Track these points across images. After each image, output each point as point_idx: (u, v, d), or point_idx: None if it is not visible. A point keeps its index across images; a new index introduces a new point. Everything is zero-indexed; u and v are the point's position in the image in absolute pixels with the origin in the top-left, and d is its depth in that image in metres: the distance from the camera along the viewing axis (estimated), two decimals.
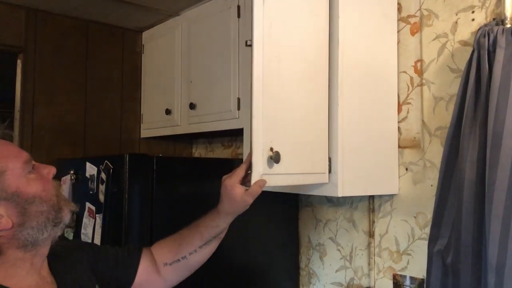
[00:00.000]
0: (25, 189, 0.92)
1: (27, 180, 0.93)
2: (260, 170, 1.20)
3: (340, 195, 1.50)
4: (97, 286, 1.10)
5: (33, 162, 0.97)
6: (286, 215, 2.10)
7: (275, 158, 1.23)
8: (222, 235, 1.27)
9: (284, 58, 1.33)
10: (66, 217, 0.98)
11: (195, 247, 1.22)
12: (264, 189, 1.18)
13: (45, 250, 0.98)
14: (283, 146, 1.28)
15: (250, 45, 1.23)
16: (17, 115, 2.28)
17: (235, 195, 1.15)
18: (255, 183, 1.16)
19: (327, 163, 1.52)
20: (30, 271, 0.95)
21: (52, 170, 0.99)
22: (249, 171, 1.17)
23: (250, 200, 1.16)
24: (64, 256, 1.08)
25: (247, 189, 1.16)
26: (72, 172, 1.93)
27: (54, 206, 0.96)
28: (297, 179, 1.40)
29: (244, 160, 1.21)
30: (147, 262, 1.22)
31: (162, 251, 1.24)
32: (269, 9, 1.27)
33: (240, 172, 1.17)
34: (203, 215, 1.24)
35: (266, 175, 1.21)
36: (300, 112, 1.41)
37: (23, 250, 0.93)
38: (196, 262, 1.25)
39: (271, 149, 1.24)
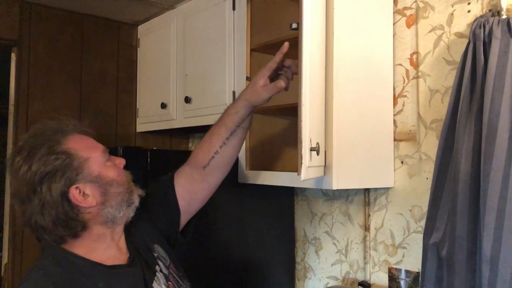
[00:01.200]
0: (105, 173, 1.10)
1: (106, 167, 1.11)
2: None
3: (335, 188, 1.50)
4: (156, 244, 1.24)
5: (107, 154, 1.15)
6: (281, 209, 2.09)
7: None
8: (246, 125, 1.34)
9: None
10: (137, 200, 1.16)
11: (223, 139, 1.32)
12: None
13: (120, 227, 1.15)
14: None
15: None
16: (11, 109, 2.27)
17: (257, 84, 1.28)
18: (273, 84, 1.26)
19: (323, 156, 1.51)
20: (110, 244, 1.12)
21: (123, 161, 1.17)
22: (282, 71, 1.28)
23: (265, 95, 1.27)
24: (134, 223, 1.21)
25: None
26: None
27: (127, 189, 1.14)
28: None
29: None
30: (182, 182, 1.32)
31: (197, 157, 1.34)
32: None
33: (271, 65, 1.28)
34: (226, 108, 1.35)
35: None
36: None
37: (104, 226, 1.10)
38: (228, 154, 1.34)
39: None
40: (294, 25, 1.50)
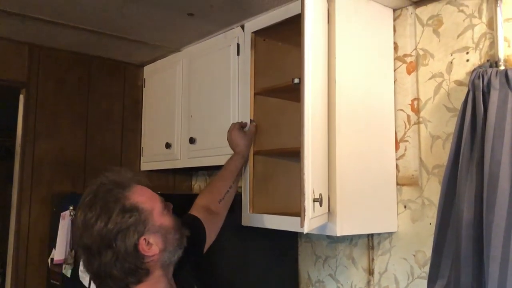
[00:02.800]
0: (165, 222, 1.20)
1: (164, 215, 1.21)
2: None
3: (339, 234, 1.50)
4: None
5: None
6: (285, 251, 2.08)
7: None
8: (241, 171, 1.81)
9: None
10: (185, 241, 1.27)
11: (230, 184, 1.71)
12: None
13: (173, 267, 1.26)
14: None
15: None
16: (18, 148, 2.30)
17: (233, 138, 1.80)
18: (249, 130, 1.82)
19: (327, 202, 1.52)
20: (167, 285, 1.23)
21: (171, 206, 1.27)
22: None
23: (246, 143, 1.79)
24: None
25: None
26: (71, 208, 1.93)
27: (180, 234, 1.25)
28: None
29: None
30: (203, 216, 1.54)
31: (213, 193, 1.67)
32: None
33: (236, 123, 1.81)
34: (225, 164, 1.78)
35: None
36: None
37: (162, 269, 1.21)
38: (232, 194, 1.72)
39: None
40: (296, 80, 1.57)
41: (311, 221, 1.25)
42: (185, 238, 1.27)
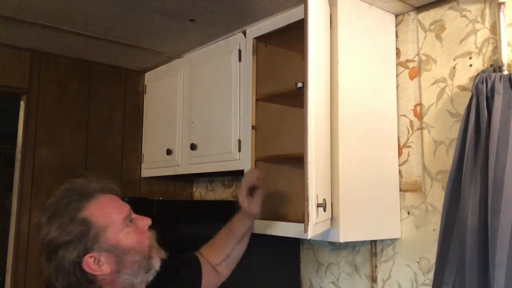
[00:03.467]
0: (122, 242, 1.08)
1: (125, 234, 1.10)
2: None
3: (342, 240, 1.49)
4: None
5: (132, 215, 1.15)
6: (287, 258, 2.06)
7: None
8: (251, 231, 1.56)
9: None
10: (156, 264, 1.15)
11: (233, 246, 1.50)
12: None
13: None
14: None
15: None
16: (18, 155, 2.29)
17: (245, 206, 1.47)
18: (255, 195, 1.49)
19: (330, 208, 1.51)
20: None
21: (148, 222, 1.16)
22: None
23: (256, 209, 1.49)
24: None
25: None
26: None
27: (146, 256, 1.12)
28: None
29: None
30: (206, 265, 1.44)
31: (211, 255, 1.48)
32: None
33: (243, 191, 1.48)
34: (229, 221, 1.53)
35: None
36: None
37: None
38: (237, 255, 1.53)
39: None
40: (300, 84, 1.56)
41: (314, 226, 1.23)
42: (157, 260, 1.15)
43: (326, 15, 1.54)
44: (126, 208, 1.15)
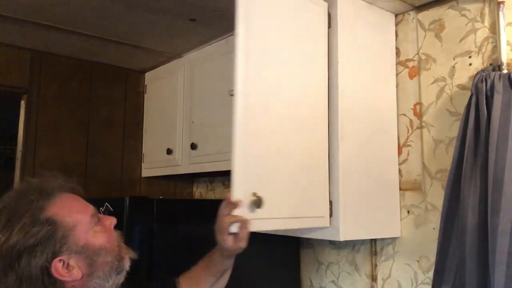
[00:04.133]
0: (92, 241, 0.99)
1: (94, 233, 1.00)
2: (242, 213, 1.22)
3: (342, 239, 1.49)
4: None
5: (98, 214, 1.05)
6: (287, 257, 2.07)
7: (257, 203, 1.26)
8: (231, 267, 1.33)
9: (273, 107, 1.38)
10: (127, 264, 1.05)
11: (211, 283, 1.30)
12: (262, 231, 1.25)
13: None
14: (269, 192, 1.32)
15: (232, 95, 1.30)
16: (18, 155, 2.29)
17: (229, 245, 1.20)
18: (241, 228, 1.19)
19: (328, 206, 1.51)
20: None
21: (114, 221, 1.07)
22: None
23: (243, 245, 1.21)
24: None
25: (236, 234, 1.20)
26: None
27: (117, 256, 1.03)
28: (287, 224, 1.43)
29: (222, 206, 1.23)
30: None
31: (189, 284, 1.30)
32: (256, 58, 1.31)
33: (221, 225, 1.20)
34: (208, 255, 1.29)
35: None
36: (294, 159, 1.44)
37: None
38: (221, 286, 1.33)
39: (254, 194, 1.28)
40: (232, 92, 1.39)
41: (252, 222, 1.21)
42: (128, 260, 1.06)
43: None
44: (90, 207, 1.05)
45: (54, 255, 0.93)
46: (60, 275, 0.94)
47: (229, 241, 1.19)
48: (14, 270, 0.91)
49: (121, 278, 1.04)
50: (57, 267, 0.94)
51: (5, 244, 0.92)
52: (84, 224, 0.99)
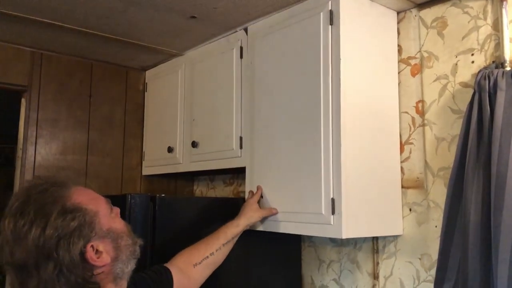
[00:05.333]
0: (115, 226, 1.04)
1: (113, 219, 1.06)
2: None
3: (344, 237, 1.49)
4: None
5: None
6: (288, 255, 2.06)
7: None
8: (232, 244, 1.61)
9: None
10: (138, 251, 1.11)
11: (219, 245, 1.53)
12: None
13: (125, 282, 1.09)
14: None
15: None
16: (19, 152, 2.28)
17: (253, 207, 1.70)
18: (269, 208, 1.71)
19: (330, 204, 1.51)
20: None
21: (119, 210, 1.12)
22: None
23: (263, 214, 1.70)
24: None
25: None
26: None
27: (133, 240, 1.09)
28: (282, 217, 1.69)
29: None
30: (178, 275, 1.37)
31: (190, 253, 1.47)
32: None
33: (257, 196, 1.75)
34: (226, 224, 1.62)
35: None
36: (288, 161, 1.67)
37: (114, 283, 1.04)
38: (219, 259, 1.55)
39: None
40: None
41: None
42: (138, 247, 1.11)
43: None
44: (99, 195, 1.09)
45: (88, 240, 0.97)
46: (93, 260, 0.97)
47: (255, 206, 1.71)
48: (53, 259, 0.93)
49: (134, 264, 1.09)
50: (90, 252, 0.97)
51: (41, 236, 0.93)
52: (104, 210, 1.04)
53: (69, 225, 0.95)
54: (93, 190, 1.09)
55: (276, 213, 1.68)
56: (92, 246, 0.98)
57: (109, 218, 1.04)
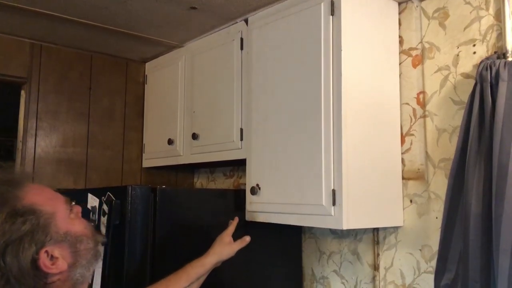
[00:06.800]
0: (74, 229, 0.95)
1: (71, 220, 0.96)
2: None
3: (345, 228, 1.49)
4: None
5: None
6: (289, 247, 2.07)
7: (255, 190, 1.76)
8: (202, 280, 1.45)
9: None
10: (101, 249, 1.03)
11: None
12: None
13: (86, 286, 1.01)
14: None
15: None
16: (19, 145, 2.28)
17: (225, 241, 1.54)
18: (241, 240, 1.58)
19: (331, 195, 1.51)
20: None
21: (80, 209, 1.03)
22: None
23: (236, 248, 1.55)
24: None
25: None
26: (73, 203, 1.91)
27: (95, 242, 1.00)
28: (283, 208, 1.68)
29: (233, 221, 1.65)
30: None
31: None
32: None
33: (231, 229, 1.59)
34: (191, 264, 1.43)
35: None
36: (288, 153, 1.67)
37: None
38: None
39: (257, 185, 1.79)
40: None
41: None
42: (101, 245, 1.04)
43: None
44: (60, 195, 1.00)
45: (41, 246, 0.88)
46: (47, 268, 0.88)
47: (227, 239, 1.55)
48: None
49: (96, 264, 1.03)
50: (43, 259, 0.88)
51: None
52: (62, 212, 0.95)
53: (20, 229, 0.86)
54: (51, 189, 1.00)
55: (249, 240, 1.58)
56: (46, 251, 0.89)
57: (68, 220, 0.95)
